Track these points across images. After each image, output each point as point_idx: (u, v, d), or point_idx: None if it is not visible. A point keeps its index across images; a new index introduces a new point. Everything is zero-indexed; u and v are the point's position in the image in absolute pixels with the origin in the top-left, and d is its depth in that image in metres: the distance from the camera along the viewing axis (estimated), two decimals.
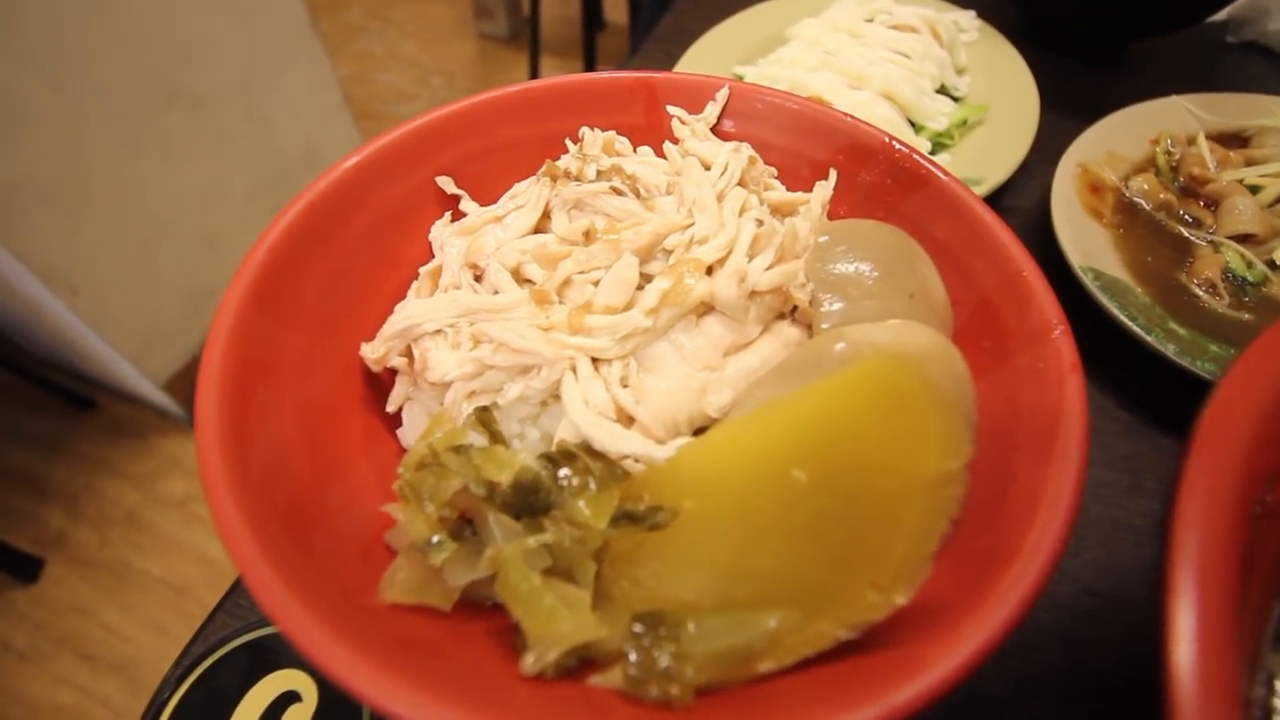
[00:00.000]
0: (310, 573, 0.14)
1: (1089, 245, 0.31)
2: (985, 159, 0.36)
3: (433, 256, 0.23)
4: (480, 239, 0.20)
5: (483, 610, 0.15)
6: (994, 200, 0.38)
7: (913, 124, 0.38)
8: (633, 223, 0.18)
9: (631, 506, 0.14)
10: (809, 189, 0.23)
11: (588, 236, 0.18)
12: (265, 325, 0.18)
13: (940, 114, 0.38)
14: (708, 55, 0.43)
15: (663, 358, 0.16)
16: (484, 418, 0.16)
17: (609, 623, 0.13)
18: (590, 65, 2.22)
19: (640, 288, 0.16)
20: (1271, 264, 0.31)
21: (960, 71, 0.42)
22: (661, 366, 0.16)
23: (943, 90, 0.41)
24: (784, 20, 0.44)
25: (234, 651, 0.22)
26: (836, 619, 0.13)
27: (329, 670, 0.12)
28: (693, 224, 0.17)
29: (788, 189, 0.24)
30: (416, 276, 0.22)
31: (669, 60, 0.46)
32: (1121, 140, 0.37)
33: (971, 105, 0.39)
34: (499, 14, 2.60)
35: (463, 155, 0.24)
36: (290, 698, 0.21)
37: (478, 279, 0.20)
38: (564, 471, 0.15)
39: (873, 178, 0.23)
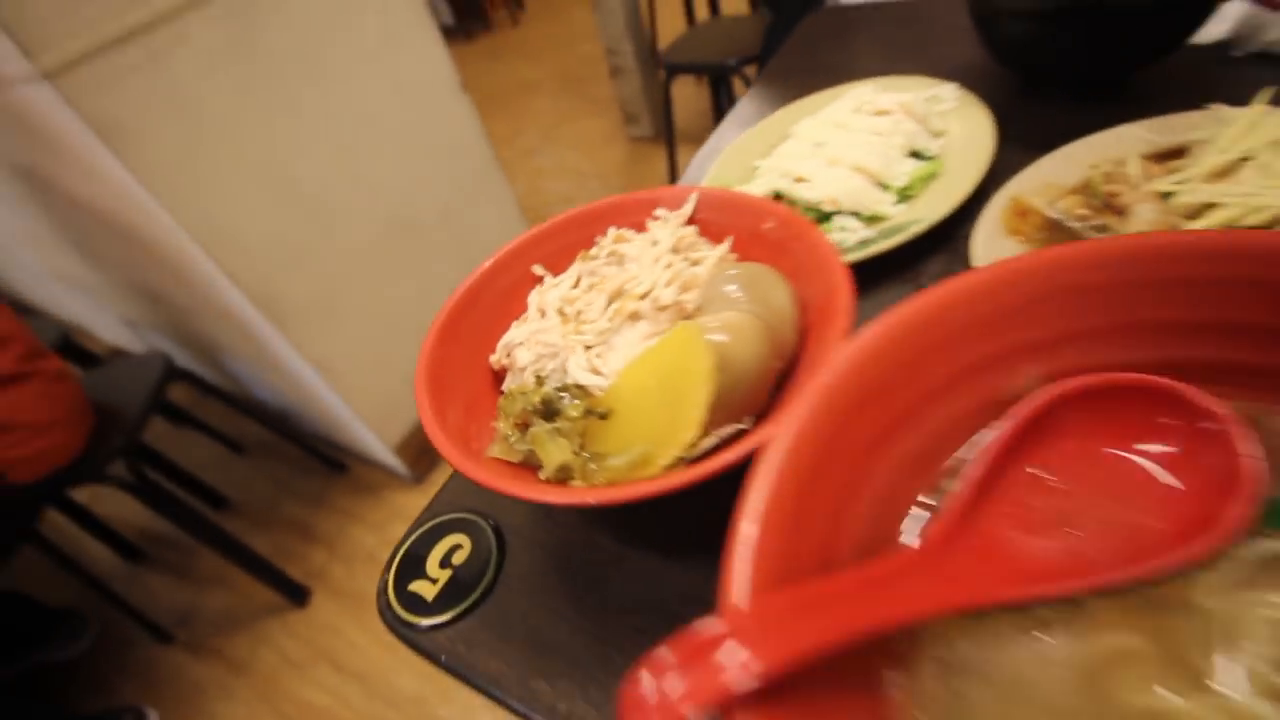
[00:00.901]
0: (469, 451, 0.32)
1: (995, 255, 0.41)
2: (935, 203, 0.48)
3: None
4: (545, 294, 0.39)
5: (531, 467, 0.33)
6: (950, 229, 0.49)
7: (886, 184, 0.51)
8: (611, 278, 0.35)
9: (592, 408, 0.31)
10: (738, 245, 0.39)
11: (591, 289, 0.36)
12: (445, 349, 0.39)
13: (902, 174, 0.50)
14: (737, 155, 0.60)
15: (616, 343, 0.33)
16: (537, 378, 0.35)
17: (578, 458, 0.30)
18: None
19: (607, 309, 0.34)
20: None
21: (938, 135, 0.55)
22: (616, 346, 0.33)
23: (917, 153, 0.53)
24: (794, 122, 0.60)
25: (431, 527, 0.41)
26: (673, 449, 0.28)
27: (473, 476, 0.30)
28: (637, 275, 0.34)
29: (726, 244, 0.40)
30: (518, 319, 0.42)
31: (715, 156, 0.64)
32: (1063, 171, 0.46)
33: (934, 162, 0.52)
34: (643, 118, 3.00)
35: (547, 252, 0.44)
36: (456, 549, 0.40)
37: (543, 315, 0.38)
38: (564, 395, 0.32)
39: (774, 231, 0.39)
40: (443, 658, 0.36)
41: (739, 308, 0.33)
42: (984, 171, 0.49)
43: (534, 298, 0.40)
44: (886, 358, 0.26)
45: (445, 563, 0.39)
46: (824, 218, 0.50)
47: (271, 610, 1.70)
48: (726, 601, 0.20)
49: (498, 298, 0.42)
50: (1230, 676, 0.19)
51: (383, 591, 0.39)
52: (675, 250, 0.37)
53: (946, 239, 0.48)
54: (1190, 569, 0.22)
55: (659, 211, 0.42)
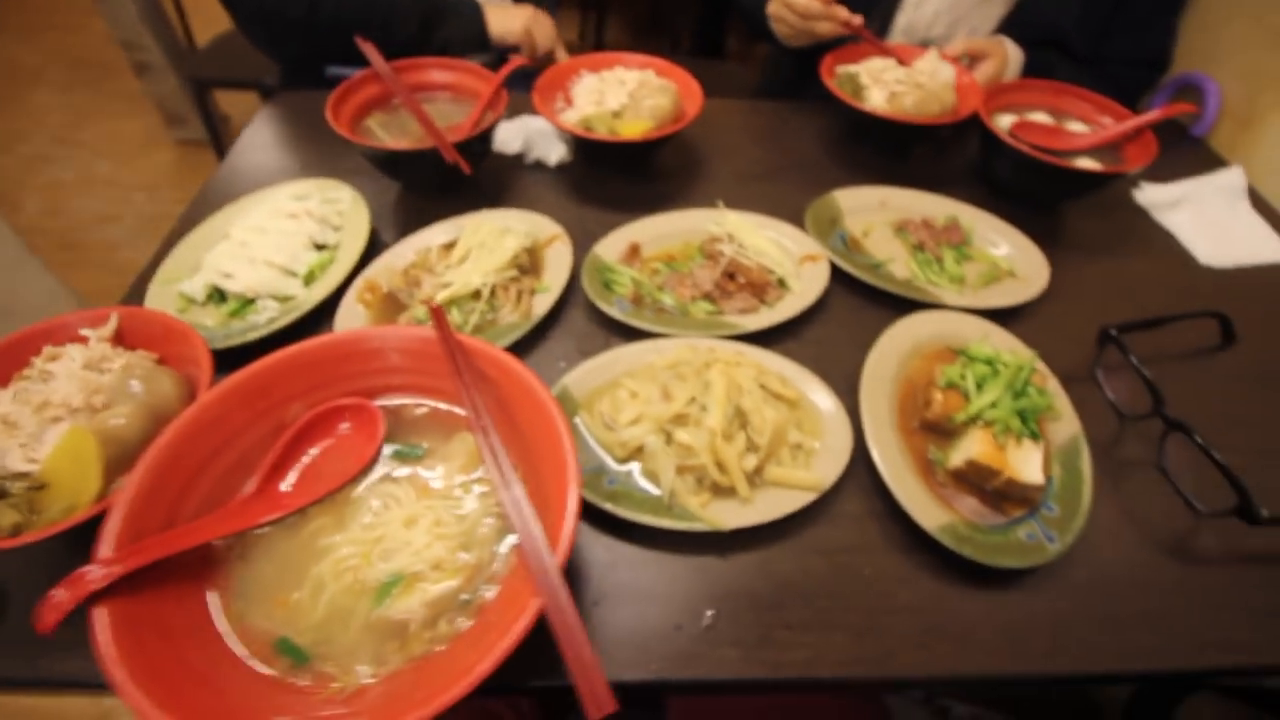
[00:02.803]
0: None
1: (350, 321, 0.73)
2: (328, 284, 0.77)
3: None
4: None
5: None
6: (336, 300, 0.78)
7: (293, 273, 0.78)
8: (39, 393, 0.55)
9: (31, 484, 0.51)
10: (157, 344, 0.62)
11: (25, 403, 0.55)
12: None
13: (303, 264, 0.78)
14: (189, 250, 0.81)
15: (46, 439, 0.53)
16: None
17: (26, 517, 0.51)
18: None
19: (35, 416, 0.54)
20: None
21: (336, 229, 0.84)
22: (47, 441, 0.53)
23: (320, 245, 0.82)
24: (231, 222, 0.83)
25: None
26: (87, 498, 0.51)
27: None
28: (58, 389, 0.55)
29: (134, 355, 0.62)
30: None
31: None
32: (399, 257, 0.80)
33: (331, 251, 0.81)
34: (192, 119, 2.79)
35: None
36: None
37: None
38: (7, 480, 0.51)
39: (171, 334, 0.62)
40: None
41: (135, 400, 0.56)
42: (357, 259, 0.79)
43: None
44: (213, 409, 0.52)
45: None
46: (249, 302, 0.75)
47: None
48: (95, 554, 0.44)
49: None
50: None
51: None
52: (88, 366, 0.58)
53: (335, 307, 0.77)
54: (347, 480, 0.54)
55: (84, 330, 0.62)
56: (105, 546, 0.45)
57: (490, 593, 0.49)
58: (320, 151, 1.02)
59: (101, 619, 0.42)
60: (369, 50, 0.92)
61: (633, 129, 0.89)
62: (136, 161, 2.73)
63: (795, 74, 1.37)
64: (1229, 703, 0.87)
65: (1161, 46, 1.13)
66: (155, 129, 2.84)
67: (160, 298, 0.75)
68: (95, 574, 0.43)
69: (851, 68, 1.03)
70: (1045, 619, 0.58)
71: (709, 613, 0.57)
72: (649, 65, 0.98)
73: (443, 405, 0.60)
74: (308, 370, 0.57)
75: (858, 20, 1.02)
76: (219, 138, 2.28)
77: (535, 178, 0.99)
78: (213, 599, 0.49)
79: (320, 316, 0.76)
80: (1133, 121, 0.92)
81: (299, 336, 0.75)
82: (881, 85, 0.98)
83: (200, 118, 2.67)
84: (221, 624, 0.48)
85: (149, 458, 0.49)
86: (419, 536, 0.51)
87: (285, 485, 0.55)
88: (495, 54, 1.20)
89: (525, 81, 0.98)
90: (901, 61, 1.04)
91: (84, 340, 0.61)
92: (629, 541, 0.61)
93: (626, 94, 0.91)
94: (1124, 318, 0.78)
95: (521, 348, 0.75)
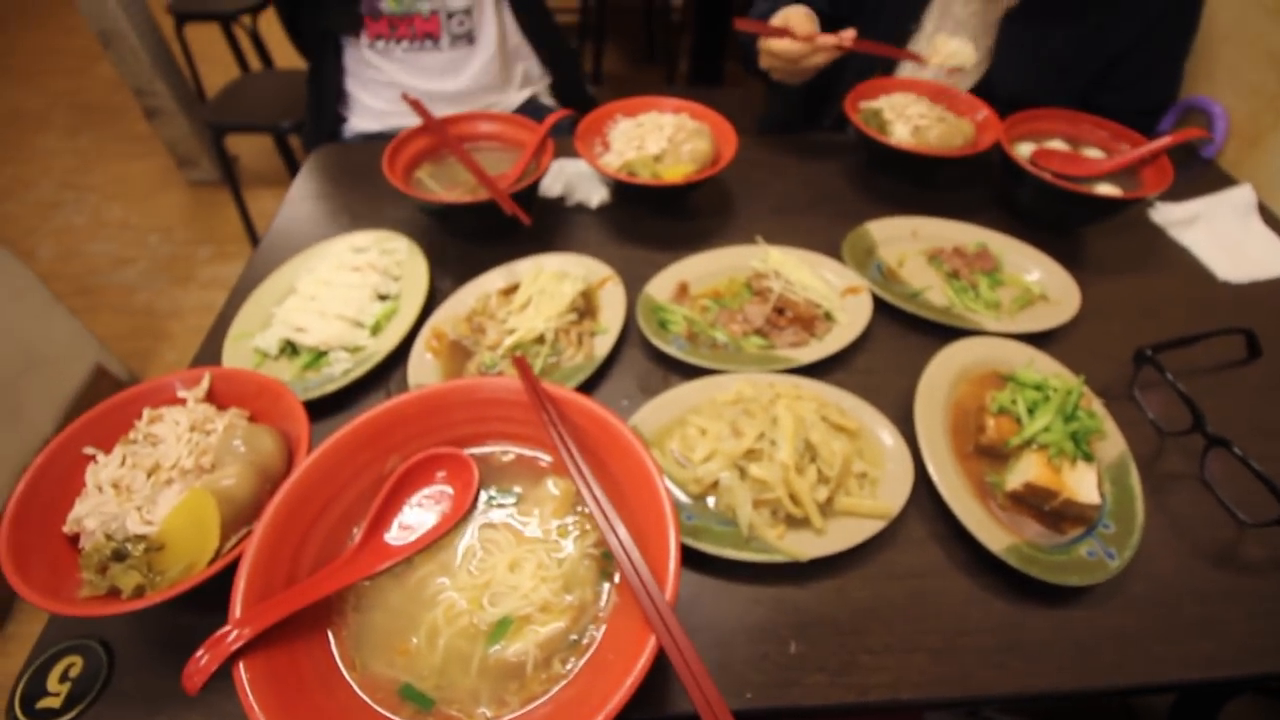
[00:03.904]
0: (63, 597, 0.52)
1: (421, 370, 0.76)
2: (394, 334, 0.80)
3: None
4: (99, 473, 0.59)
5: (115, 595, 0.54)
6: (406, 347, 0.82)
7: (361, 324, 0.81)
8: (148, 456, 0.58)
9: (150, 545, 0.54)
10: (249, 402, 0.65)
11: (134, 467, 0.57)
12: (20, 529, 0.56)
13: (370, 315, 0.82)
14: (257, 306, 0.84)
15: (160, 500, 0.56)
16: (106, 536, 0.55)
17: (147, 578, 0.53)
18: None
19: (148, 480, 0.57)
20: None
21: (396, 279, 0.87)
22: (160, 503, 0.56)
23: (384, 296, 0.85)
24: (298, 275, 0.86)
25: (44, 660, 0.58)
26: (206, 556, 0.54)
27: (74, 613, 0.50)
28: (167, 452, 0.58)
29: (231, 413, 0.65)
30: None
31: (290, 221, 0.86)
32: (461, 303, 0.83)
33: (394, 301, 0.84)
34: (203, 161, 2.83)
35: (95, 436, 0.63)
36: (70, 667, 0.58)
37: (100, 491, 0.58)
38: (128, 543, 0.54)
39: (265, 392, 0.65)
40: None
41: (242, 459, 0.59)
42: (420, 308, 0.83)
43: (90, 476, 0.59)
44: (320, 466, 0.55)
45: (64, 679, 0.57)
46: (321, 355, 0.78)
47: None
48: (231, 615, 0.47)
49: (60, 477, 0.60)
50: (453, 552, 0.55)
51: (12, 715, 0.55)
52: (193, 428, 0.60)
53: (403, 355, 0.81)
54: (449, 528, 0.57)
55: (180, 391, 0.65)
56: (238, 607, 0.48)
57: (598, 632, 0.52)
58: (366, 203, 1.06)
59: (244, 677, 0.44)
60: (417, 107, 0.96)
61: (674, 172, 0.93)
62: (148, 203, 2.76)
63: (802, 105, 1.39)
64: (1273, 701, 0.91)
65: (1165, 94, 1.15)
66: (165, 171, 2.88)
67: (236, 354, 0.78)
68: (233, 635, 0.45)
69: (874, 103, 1.08)
70: (1110, 632, 0.61)
71: (793, 640, 0.60)
72: (683, 109, 1.03)
73: (527, 451, 0.63)
74: (405, 423, 0.60)
75: (849, 35, 0.98)
76: (234, 178, 2.32)
77: (578, 220, 1.03)
78: (335, 649, 0.51)
79: (390, 366, 0.79)
80: (1147, 147, 0.96)
81: (370, 386, 0.79)
82: (905, 120, 1.02)
83: (215, 160, 2.73)
84: (345, 674, 0.50)
85: (268, 517, 0.52)
86: (524, 580, 0.54)
87: (389, 535, 0.58)
88: None
89: (561, 127, 1.03)
90: (915, 60, 1.06)
91: (181, 402, 0.64)
92: (708, 574, 0.64)
93: (665, 138, 0.95)
94: (1151, 335, 0.82)
95: (586, 389, 0.78)
